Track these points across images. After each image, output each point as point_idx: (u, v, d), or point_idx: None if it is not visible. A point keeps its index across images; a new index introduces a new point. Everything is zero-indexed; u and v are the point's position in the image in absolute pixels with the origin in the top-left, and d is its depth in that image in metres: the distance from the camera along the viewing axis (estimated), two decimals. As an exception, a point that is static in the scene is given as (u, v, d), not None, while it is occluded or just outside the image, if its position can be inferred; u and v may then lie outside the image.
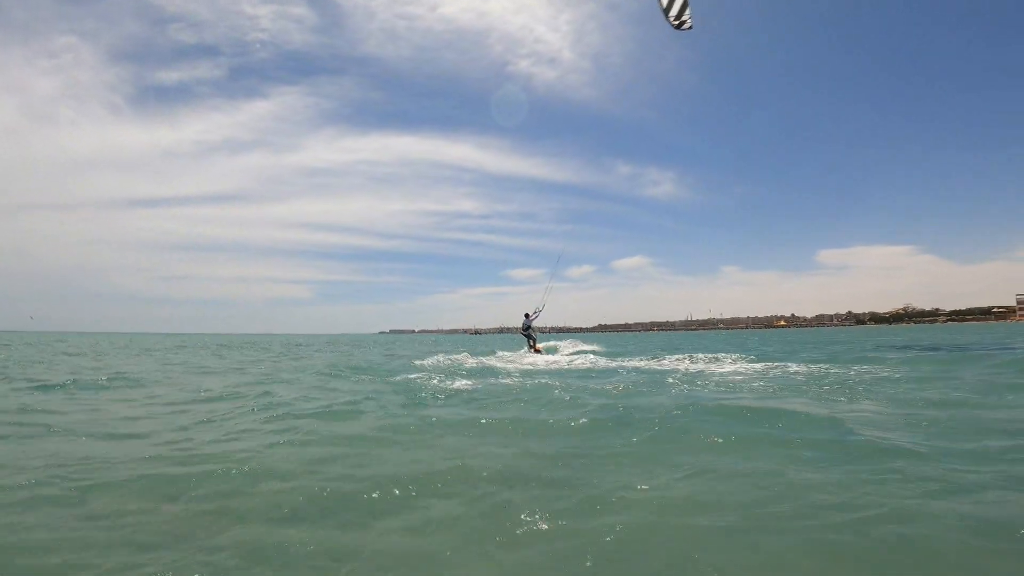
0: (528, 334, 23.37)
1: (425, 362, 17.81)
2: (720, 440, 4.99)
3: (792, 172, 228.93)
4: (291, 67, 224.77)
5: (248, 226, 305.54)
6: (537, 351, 22.83)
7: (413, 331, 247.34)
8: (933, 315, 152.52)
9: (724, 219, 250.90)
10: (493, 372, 13.04)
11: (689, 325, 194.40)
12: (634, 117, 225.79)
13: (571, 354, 22.07)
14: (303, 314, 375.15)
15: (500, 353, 22.17)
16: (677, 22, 12.03)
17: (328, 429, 5.91)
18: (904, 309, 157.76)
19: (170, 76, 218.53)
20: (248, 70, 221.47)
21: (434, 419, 6.37)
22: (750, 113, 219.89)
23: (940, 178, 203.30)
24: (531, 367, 15.29)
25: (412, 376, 11.73)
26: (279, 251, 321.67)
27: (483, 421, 6.21)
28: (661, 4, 12.04)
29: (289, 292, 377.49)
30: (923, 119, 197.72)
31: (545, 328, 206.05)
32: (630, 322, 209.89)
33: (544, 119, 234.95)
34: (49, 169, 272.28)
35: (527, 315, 23.06)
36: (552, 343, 29.15)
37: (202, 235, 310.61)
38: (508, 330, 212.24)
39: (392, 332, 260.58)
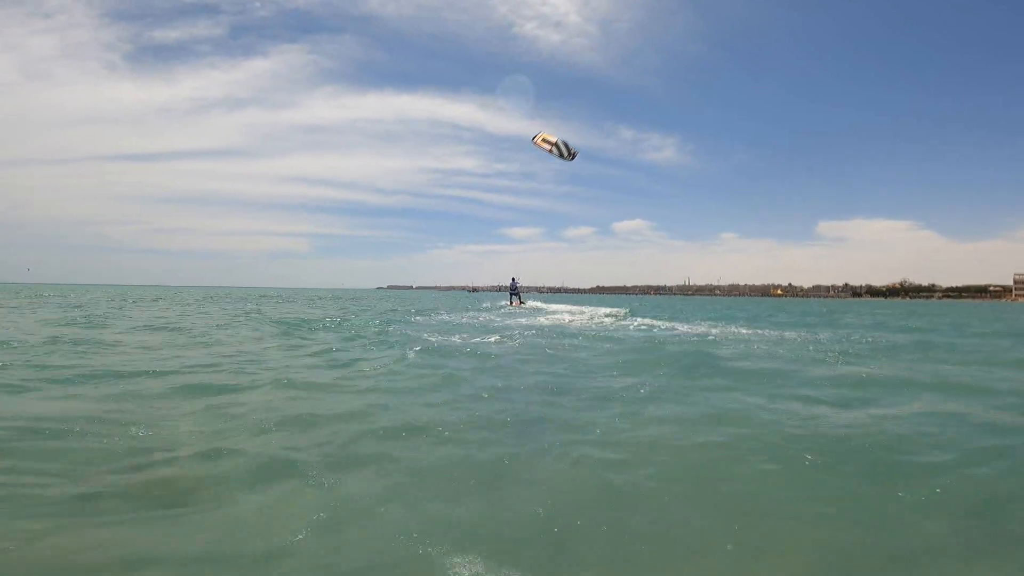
0: (515, 292, 32.13)
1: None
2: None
3: (795, 142, 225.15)
4: (291, 25, 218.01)
5: (244, 180, 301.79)
6: (521, 304, 30.67)
7: (411, 287, 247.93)
8: (929, 291, 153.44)
9: (724, 186, 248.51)
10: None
11: (686, 290, 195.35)
12: (639, 83, 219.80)
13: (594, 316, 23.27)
14: (300, 268, 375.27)
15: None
16: (570, 157, 14.92)
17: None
18: (901, 283, 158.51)
19: (169, 35, 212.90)
20: (248, 28, 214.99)
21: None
22: (756, 82, 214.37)
23: (944, 154, 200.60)
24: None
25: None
26: (276, 205, 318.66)
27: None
28: (552, 153, 14.71)
29: (286, 245, 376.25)
30: (932, 93, 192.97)
31: (543, 288, 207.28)
32: (628, 285, 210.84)
33: (547, 83, 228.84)
34: (45, 125, 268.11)
35: (513, 279, 32.68)
36: (555, 305, 34.53)
37: (197, 189, 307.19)
38: (505, 288, 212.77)
39: (390, 288, 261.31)
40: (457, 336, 12.29)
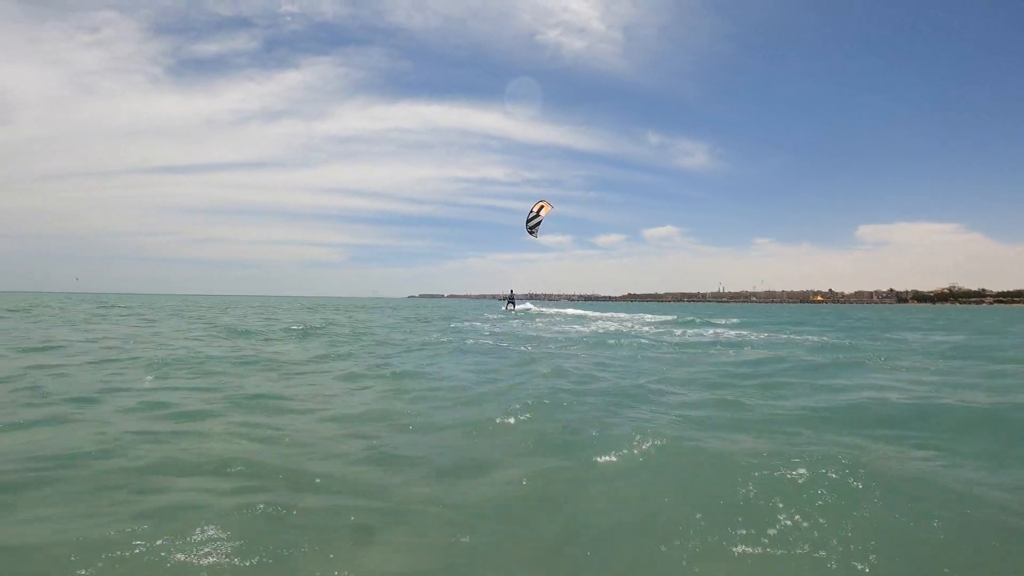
0: (511, 300, 38.93)
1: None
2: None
3: (832, 144, 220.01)
4: (321, 38, 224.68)
5: (280, 191, 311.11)
6: (512, 308, 37.44)
7: (442, 296, 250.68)
8: (980, 296, 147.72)
9: (758, 190, 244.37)
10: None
11: (720, 297, 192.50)
12: (666, 88, 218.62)
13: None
14: (333, 277, 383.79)
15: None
16: (530, 230, 17.39)
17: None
18: (949, 289, 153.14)
19: (208, 48, 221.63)
20: (280, 42, 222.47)
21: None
22: (789, 83, 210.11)
23: (988, 154, 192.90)
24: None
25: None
26: (310, 215, 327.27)
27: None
28: (529, 213, 17.26)
29: (319, 255, 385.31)
30: (974, 89, 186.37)
31: (574, 296, 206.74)
32: (660, 292, 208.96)
33: (573, 89, 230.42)
34: (92, 138, 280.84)
35: (511, 291, 40.32)
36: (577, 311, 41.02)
37: (237, 200, 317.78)
38: (536, 296, 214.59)
39: (422, 296, 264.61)
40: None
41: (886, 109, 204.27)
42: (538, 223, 19.24)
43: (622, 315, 32.26)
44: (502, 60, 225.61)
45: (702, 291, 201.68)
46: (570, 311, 42.31)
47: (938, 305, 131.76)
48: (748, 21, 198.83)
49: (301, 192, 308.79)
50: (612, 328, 19.18)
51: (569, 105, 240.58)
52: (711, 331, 17.59)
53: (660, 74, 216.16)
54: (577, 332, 17.06)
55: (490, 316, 27.28)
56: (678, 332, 17.19)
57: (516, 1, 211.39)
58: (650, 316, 30.00)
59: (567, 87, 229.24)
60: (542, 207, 18.96)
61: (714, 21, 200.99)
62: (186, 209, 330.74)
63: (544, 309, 44.89)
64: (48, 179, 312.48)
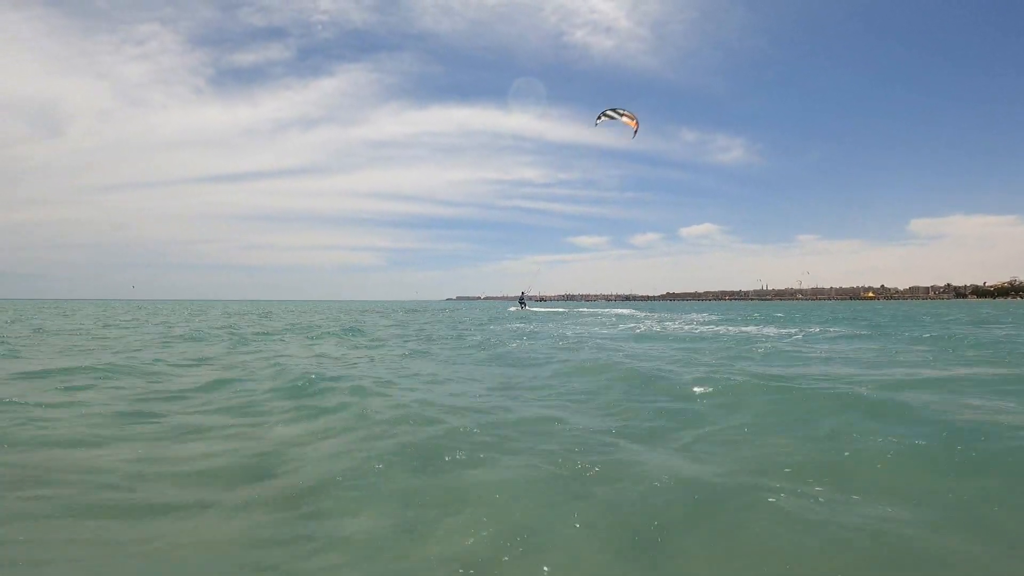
0: (522, 301, 44.41)
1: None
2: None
3: (871, 137, 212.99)
4: (353, 45, 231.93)
5: (319, 197, 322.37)
6: (523, 308, 41.33)
7: (480, 297, 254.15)
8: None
9: (800, 185, 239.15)
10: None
11: (763, 295, 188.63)
12: (698, 84, 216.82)
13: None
14: (373, 281, 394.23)
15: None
16: (604, 112, 16.87)
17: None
18: (1011, 282, 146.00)
19: (246, 58, 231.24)
20: (314, 50, 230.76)
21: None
22: (826, 74, 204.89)
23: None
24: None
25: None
26: (349, 220, 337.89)
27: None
28: (618, 109, 16.90)
29: (360, 259, 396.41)
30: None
31: (611, 296, 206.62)
32: (699, 291, 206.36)
33: (603, 88, 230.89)
34: (143, 150, 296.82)
35: (523, 292, 45.42)
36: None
37: (278, 207, 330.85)
38: (573, 297, 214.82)
39: (459, 298, 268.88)
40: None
41: (932, 100, 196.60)
42: (612, 118, 18.96)
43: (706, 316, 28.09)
44: (530, 62, 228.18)
45: (744, 289, 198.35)
46: (643, 314, 40.31)
47: (998, 300, 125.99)
48: (776, 15, 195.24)
49: (339, 197, 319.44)
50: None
51: (599, 105, 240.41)
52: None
53: (690, 70, 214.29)
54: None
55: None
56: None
57: (541, 3, 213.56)
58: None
59: (597, 86, 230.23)
60: (632, 120, 18.66)
61: (742, 15, 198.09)
62: (231, 217, 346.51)
63: (578, 310, 47.43)
64: (100, 190, 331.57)
